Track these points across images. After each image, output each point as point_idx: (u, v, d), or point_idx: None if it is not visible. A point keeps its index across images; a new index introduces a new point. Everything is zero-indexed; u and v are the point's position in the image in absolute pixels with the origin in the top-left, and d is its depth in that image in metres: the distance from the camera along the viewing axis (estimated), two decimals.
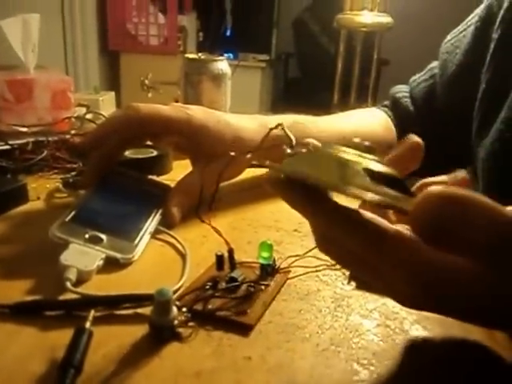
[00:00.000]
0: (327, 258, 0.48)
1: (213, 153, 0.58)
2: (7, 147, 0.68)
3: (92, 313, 0.36)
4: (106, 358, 0.34)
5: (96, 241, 0.46)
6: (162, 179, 0.63)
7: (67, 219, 0.47)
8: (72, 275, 0.41)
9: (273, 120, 0.65)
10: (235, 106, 0.86)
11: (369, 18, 2.57)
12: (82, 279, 0.42)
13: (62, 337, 0.34)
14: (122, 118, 0.55)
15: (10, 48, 0.86)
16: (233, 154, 0.56)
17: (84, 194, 0.53)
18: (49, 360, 0.33)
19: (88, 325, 0.35)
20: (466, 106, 0.66)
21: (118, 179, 0.56)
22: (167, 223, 0.54)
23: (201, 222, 0.54)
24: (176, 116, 0.56)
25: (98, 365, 0.33)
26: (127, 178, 0.57)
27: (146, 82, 1.08)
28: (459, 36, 0.73)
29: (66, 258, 0.43)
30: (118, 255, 0.46)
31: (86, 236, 0.46)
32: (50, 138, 0.72)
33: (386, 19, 2.59)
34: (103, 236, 0.46)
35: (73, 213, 0.48)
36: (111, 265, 0.45)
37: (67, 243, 0.45)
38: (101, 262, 0.44)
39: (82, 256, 0.43)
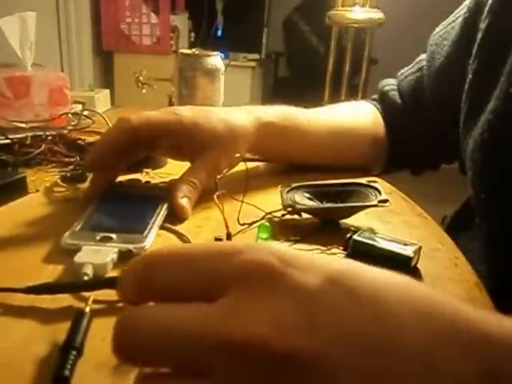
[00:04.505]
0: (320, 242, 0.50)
1: (208, 147, 0.59)
2: (7, 141, 0.69)
3: (91, 297, 0.38)
4: (105, 341, 0.35)
5: (107, 240, 0.47)
6: (157, 172, 0.64)
7: (77, 229, 0.49)
8: (89, 270, 0.42)
9: (263, 110, 0.67)
10: (226, 104, 0.86)
11: (360, 13, 2.56)
12: (98, 274, 0.43)
13: (64, 322, 0.36)
14: (116, 132, 0.56)
15: (8, 46, 0.87)
16: (238, 155, 0.58)
17: (89, 207, 0.54)
18: (51, 343, 0.34)
19: (87, 309, 0.37)
20: (453, 98, 0.66)
21: (120, 189, 0.58)
22: (178, 216, 0.55)
23: (195, 214, 0.56)
24: (167, 119, 0.57)
25: (97, 347, 0.35)
26: (127, 187, 0.59)
27: (141, 78, 1.08)
28: (448, 28, 0.72)
29: (80, 257, 0.44)
30: (130, 246, 0.47)
31: (97, 238, 0.47)
32: (47, 133, 0.72)
33: (377, 15, 2.57)
34: (113, 235, 0.48)
35: (81, 223, 0.50)
36: (125, 260, 0.45)
37: (79, 247, 0.46)
38: (115, 256, 0.45)
39: (95, 254, 0.44)
